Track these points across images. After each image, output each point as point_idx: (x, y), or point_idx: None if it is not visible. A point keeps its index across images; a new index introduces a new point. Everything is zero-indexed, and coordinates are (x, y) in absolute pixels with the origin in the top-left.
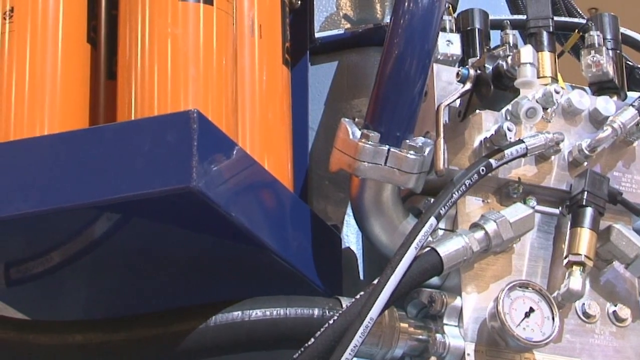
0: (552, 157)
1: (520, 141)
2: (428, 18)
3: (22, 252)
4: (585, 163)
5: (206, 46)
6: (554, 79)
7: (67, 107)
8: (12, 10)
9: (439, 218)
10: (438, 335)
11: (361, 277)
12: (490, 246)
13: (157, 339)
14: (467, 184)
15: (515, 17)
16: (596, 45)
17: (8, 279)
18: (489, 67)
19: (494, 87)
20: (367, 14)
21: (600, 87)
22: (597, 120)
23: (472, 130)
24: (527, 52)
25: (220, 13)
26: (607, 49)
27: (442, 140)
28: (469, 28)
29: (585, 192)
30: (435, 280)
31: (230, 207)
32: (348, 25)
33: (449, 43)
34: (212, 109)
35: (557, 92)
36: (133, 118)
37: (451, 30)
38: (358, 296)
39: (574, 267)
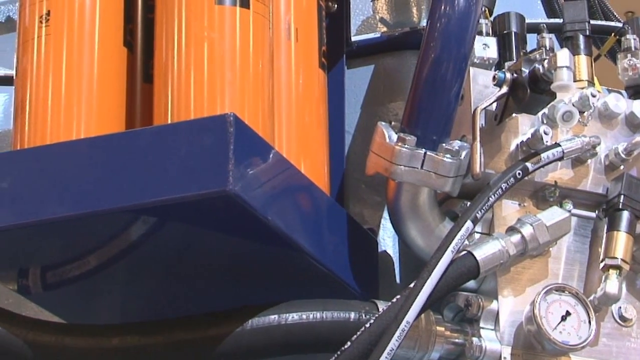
0: (589, 161)
1: (557, 145)
2: (464, 22)
3: (58, 255)
4: (622, 167)
5: (242, 50)
6: (591, 83)
7: (103, 111)
8: (48, 14)
9: (475, 222)
10: (474, 339)
11: (397, 280)
12: (527, 250)
13: (194, 343)
14: (503, 188)
15: (552, 20)
16: (632, 48)
17: (44, 283)
18: (526, 70)
19: (530, 91)
20: (403, 17)
21: (637, 90)
22: (633, 123)
23: (509, 133)
24: (563, 56)
25: (256, 16)
26: None
27: (478, 144)
28: (505, 31)
29: (622, 196)
30: (471, 283)
31: (267, 210)
32: (384, 29)
33: (486, 47)
34: (249, 113)
35: (594, 96)
36: (169, 122)
37: (488, 34)
38: (394, 300)
39: (611, 271)
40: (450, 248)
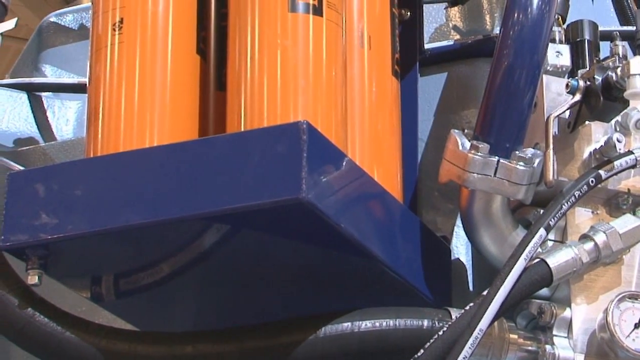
0: None
1: (630, 152)
2: (537, 29)
3: (131, 263)
4: None
5: (316, 57)
6: None
7: (176, 118)
8: (121, 21)
9: (548, 229)
10: (547, 347)
11: (470, 288)
12: (600, 257)
13: (267, 350)
14: (576, 195)
15: (625, 28)
16: None
17: (117, 291)
18: (599, 78)
19: (603, 99)
20: (476, 25)
21: None
22: None
23: (582, 141)
24: (636, 64)
25: (329, 24)
26: None
27: (551, 152)
28: (578, 39)
29: None
30: (544, 291)
31: (340, 218)
32: (457, 37)
33: (559, 54)
34: (322, 120)
35: None
36: (242, 129)
37: (561, 42)
38: (467, 307)
39: None
40: (524, 256)
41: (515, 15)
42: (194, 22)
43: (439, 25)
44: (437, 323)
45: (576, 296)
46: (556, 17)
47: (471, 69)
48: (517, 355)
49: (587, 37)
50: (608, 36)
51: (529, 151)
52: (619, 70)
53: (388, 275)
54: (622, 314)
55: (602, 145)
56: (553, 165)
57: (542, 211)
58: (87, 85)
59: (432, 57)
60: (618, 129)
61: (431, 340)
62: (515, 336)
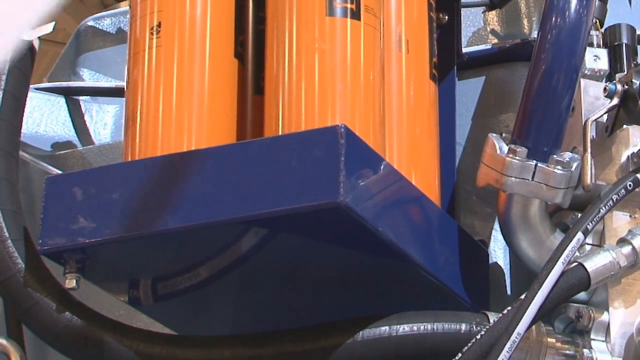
0: None
1: None
2: (575, 33)
3: (169, 267)
4: None
5: (353, 61)
6: None
7: (214, 122)
8: (159, 25)
9: (586, 233)
10: (585, 351)
11: (508, 292)
12: (638, 261)
13: (305, 354)
14: (614, 199)
15: None
16: None
17: (155, 295)
18: (637, 82)
19: None
20: (514, 29)
21: None
22: None
23: (620, 145)
24: None
25: (367, 28)
26: None
27: (589, 156)
28: (616, 43)
29: None
30: (582, 295)
31: (378, 222)
32: (495, 40)
33: (597, 58)
34: (360, 124)
35: None
36: (280, 133)
37: (598, 46)
38: (505, 311)
39: None
40: (561, 260)
41: (553, 19)
42: (231, 26)
43: (477, 29)
44: (475, 327)
45: (614, 300)
46: (594, 21)
47: (509, 72)
48: (555, 359)
49: (624, 40)
50: None
51: (567, 155)
52: None
53: (426, 279)
54: None
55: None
56: (591, 169)
57: (579, 215)
58: (125, 89)
59: (470, 61)
60: None
61: (469, 344)
62: (553, 340)
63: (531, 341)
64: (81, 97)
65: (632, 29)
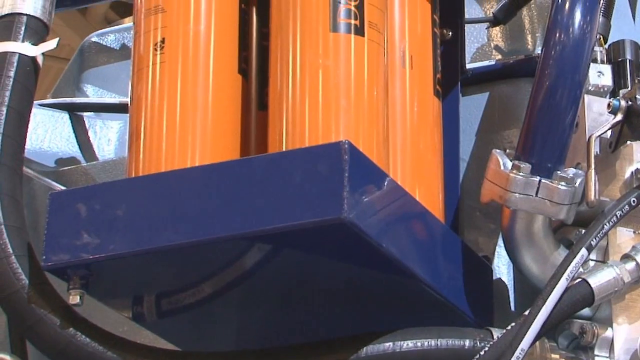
0: None
1: None
2: (579, 49)
3: (172, 283)
4: None
5: (357, 77)
6: None
7: (218, 138)
8: (162, 41)
9: (590, 249)
10: None
11: (512, 308)
12: None
13: None
14: (618, 215)
15: None
16: None
17: (159, 310)
18: None
19: None
20: (518, 45)
21: None
22: None
23: (623, 161)
24: None
25: (371, 44)
26: None
27: (593, 172)
28: (620, 59)
29: None
30: (586, 311)
31: (382, 238)
32: (499, 56)
33: (600, 74)
34: (363, 140)
35: None
36: (284, 149)
37: (602, 62)
38: (509, 327)
39: None
40: (565, 276)
41: (557, 35)
42: (235, 42)
43: (481, 45)
44: (478, 343)
45: (618, 316)
46: (598, 37)
47: (513, 88)
48: None
49: (628, 57)
50: None
51: (571, 171)
52: None
53: (429, 294)
54: None
55: None
56: (595, 185)
57: (583, 231)
58: (129, 105)
59: (474, 77)
60: None
61: None
62: (557, 356)
63: (535, 357)
64: (85, 113)
65: (635, 45)
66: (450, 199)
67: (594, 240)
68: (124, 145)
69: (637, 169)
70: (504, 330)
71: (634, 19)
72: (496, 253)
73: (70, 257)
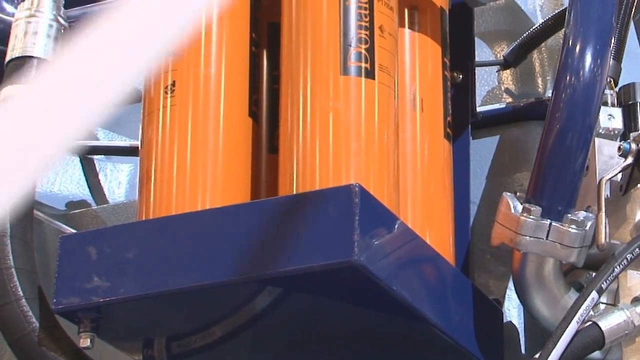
0: None
1: None
2: (590, 92)
3: (183, 326)
4: None
5: (368, 120)
6: None
7: (228, 181)
8: (173, 84)
9: (600, 292)
10: None
11: (523, 351)
12: None
13: None
14: (628, 258)
15: None
16: None
17: (169, 353)
18: None
19: None
20: (528, 88)
21: None
22: None
23: (634, 204)
24: None
25: (382, 87)
26: None
27: (603, 215)
28: (630, 102)
29: None
30: (596, 354)
31: (392, 281)
32: (509, 99)
33: (611, 117)
34: (374, 183)
35: None
36: (294, 192)
37: (613, 104)
38: None
39: None
40: (576, 319)
41: (567, 78)
42: (246, 85)
43: (491, 88)
44: None
45: (628, 359)
46: (608, 80)
47: (523, 131)
48: None
49: (639, 100)
50: None
51: (581, 214)
52: None
53: (440, 337)
54: None
55: None
56: (605, 228)
57: (594, 274)
58: (140, 148)
59: (484, 120)
60: None
61: None
62: None
63: None
64: (95, 156)
65: None
66: (461, 242)
67: (605, 283)
68: (135, 188)
69: None
70: None
71: None
72: (507, 296)
73: (80, 300)
